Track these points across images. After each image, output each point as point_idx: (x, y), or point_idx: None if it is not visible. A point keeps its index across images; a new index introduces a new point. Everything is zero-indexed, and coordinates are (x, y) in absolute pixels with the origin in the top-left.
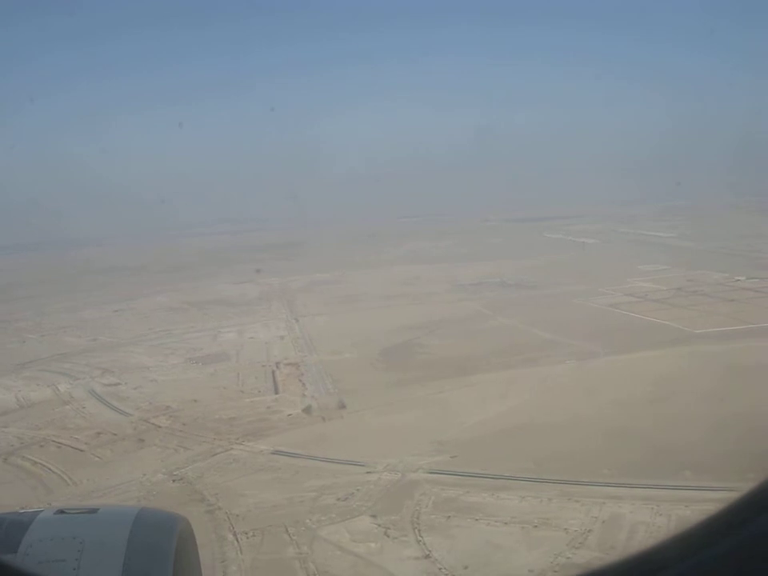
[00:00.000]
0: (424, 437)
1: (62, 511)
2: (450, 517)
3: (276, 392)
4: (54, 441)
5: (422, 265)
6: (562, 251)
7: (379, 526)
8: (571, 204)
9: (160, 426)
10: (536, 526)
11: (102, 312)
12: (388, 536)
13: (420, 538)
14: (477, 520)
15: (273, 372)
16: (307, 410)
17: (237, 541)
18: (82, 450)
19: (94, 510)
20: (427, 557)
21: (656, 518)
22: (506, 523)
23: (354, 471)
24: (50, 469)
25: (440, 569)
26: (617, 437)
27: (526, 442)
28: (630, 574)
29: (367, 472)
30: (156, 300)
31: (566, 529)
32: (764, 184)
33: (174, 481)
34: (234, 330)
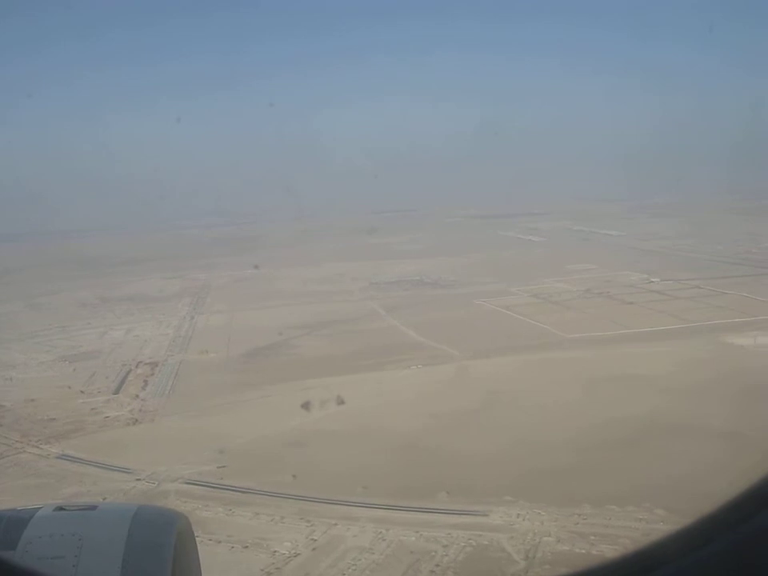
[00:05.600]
0: (211, 444)
1: (61, 508)
2: None
3: (116, 393)
4: None
5: (357, 262)
6: (505, 248)
7: None
8: (549, 200)
9: None
10: (247, 547)
11: (15, 306)
12: None
13: None
14: None
15: (128, 372)
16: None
17: None
18: None
19: (92, 507)
20: None
21: (376, 543)
22: (219, 542)
23: (119, 479)
24: None
25: None
26: (403, 451)
27: (304, 454)
28: (631, 570)
29: (136, 479)
30: (76, 294)
31: (274, 551)
32: (764, 184)
33: None
34: (126, 327)
